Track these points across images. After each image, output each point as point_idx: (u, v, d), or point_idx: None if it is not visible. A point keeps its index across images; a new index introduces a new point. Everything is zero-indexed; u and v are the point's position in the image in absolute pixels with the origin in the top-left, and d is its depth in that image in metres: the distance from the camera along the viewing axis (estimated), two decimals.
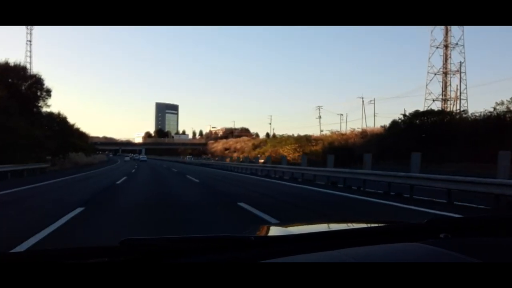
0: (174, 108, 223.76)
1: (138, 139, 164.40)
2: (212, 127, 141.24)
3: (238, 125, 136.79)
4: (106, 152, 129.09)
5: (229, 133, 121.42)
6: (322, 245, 0.99)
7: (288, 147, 54.28)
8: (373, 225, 1.50)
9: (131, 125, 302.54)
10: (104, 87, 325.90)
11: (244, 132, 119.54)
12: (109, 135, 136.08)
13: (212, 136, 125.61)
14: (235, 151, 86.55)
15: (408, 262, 0.82)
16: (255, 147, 76.28)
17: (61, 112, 42.02)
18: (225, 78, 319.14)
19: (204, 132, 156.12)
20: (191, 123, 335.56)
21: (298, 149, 51.81)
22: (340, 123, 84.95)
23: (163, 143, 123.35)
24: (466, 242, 1.05)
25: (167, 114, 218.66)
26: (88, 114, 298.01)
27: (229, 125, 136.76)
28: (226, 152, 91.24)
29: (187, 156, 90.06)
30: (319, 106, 72.12)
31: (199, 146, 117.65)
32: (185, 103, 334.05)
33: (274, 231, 1.45)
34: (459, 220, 1.37)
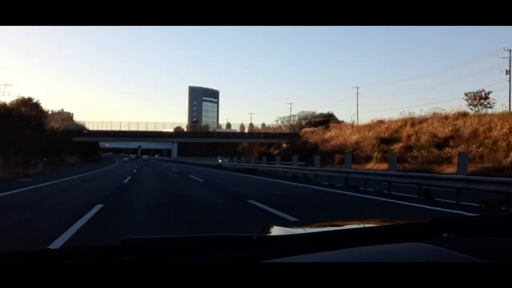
0: (213, 95, 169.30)
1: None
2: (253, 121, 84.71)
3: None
4: (107, 153, 79.09)
5: (329, 117, 64.51)
6: (324, 245, 0.98)
7: None
8: (375, 224, 1.49)
9: (157, 118, 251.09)
10: (113, 73, 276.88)
11: (327, 117, 62.56)
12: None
13: (298, 125, 68.30)
14: (447, 144, 29.17)
15: (410, 262, 0.82)
16: None
17: None
18: (271, 62, 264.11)
19: (255, 126, 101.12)
20: (231, 115, 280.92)
21: None
22: None
23: (209, 133, 66.11)
24: (469, 242, 1.04)
25: (204, 103, 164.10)
26: (98, 103, 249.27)
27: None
28: (396, 148, 34.10)
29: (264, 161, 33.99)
30: None
31: (281, 140, 61.07)
32: (224, 90, 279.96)
33: (277, 231, 1.40)
34: (462, 220, 1.37)
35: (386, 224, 1.39)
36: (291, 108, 74.61)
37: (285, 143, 61.14)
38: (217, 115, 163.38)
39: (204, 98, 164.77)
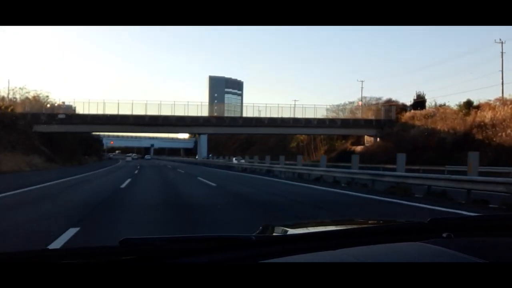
0: (236, 86, 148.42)
1: (181, 136, 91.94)
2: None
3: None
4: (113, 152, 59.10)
5: (419, 99, 42.85)
6: (324, 245, 0.99)
7: None
8: (375, 224, 1.50)
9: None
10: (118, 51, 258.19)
11: (419, 99, 41.43)
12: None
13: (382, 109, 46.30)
14: None
15: (410, 262, 0.82)
16: None
17: None
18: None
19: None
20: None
21: None
22: None
23: (258, 120, 43.93)
24: (469, 242, 1.04)
25: (226, 95, 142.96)
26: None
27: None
28: None
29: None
30: None
31: (364, 130, 39.54)
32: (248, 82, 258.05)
33: (276, 231, 1.40)
34: (462, 220, 1.37)
35: (386, 223, 1.38)
36: (362, 87, 52.50)
37: (369, 135, 39.53)
38: (241, 109, 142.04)
39: (226, 89, 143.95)
